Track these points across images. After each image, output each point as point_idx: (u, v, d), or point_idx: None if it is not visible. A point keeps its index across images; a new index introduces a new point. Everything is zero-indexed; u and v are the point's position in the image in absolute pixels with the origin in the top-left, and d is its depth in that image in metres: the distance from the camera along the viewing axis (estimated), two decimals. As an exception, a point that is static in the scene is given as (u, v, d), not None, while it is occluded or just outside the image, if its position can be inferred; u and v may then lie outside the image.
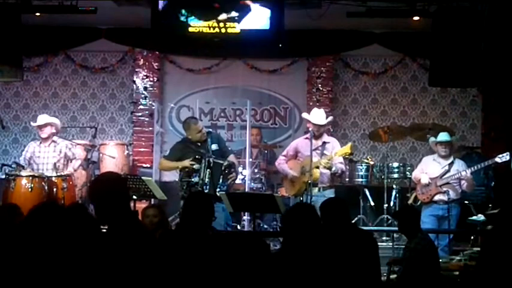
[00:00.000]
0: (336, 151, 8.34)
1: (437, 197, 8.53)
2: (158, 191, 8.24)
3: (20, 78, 9.24)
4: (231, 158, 8.45)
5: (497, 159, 8.42)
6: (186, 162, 8.17)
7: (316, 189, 8.23)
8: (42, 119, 9.33)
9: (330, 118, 8.87)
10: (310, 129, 8.52)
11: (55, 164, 9.02)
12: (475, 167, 8.56)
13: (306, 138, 8.62)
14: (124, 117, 11.44)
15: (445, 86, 10.53)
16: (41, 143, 9.25)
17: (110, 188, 3.93)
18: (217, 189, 7.99)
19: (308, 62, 11.30)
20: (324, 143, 8.51)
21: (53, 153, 9.16)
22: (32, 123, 9.50)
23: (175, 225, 8.49)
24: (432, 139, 8.90)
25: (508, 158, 8.34)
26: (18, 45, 8.80)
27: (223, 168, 8.11)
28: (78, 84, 11.44)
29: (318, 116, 8.58)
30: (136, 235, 3.88)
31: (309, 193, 8.08)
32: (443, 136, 8.72)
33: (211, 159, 8.06)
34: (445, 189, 8.44)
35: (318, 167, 8.20)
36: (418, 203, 8.74)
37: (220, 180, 8.09)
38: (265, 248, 4.31)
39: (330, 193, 8.32)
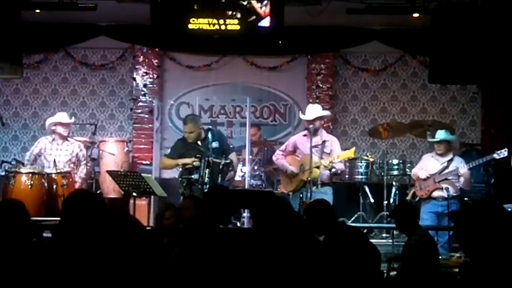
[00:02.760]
0: (338, 154, 8.40)
1: (435, 193, 8.54)
2: (158, 188, 8.24)
3: (19, 75, 9.22)
4: (232, 156, 8.43)
5: (495, 155, 8.44)
6: (187, 160, 8.16)
7: (314, 186, 8.24)
8: (66, 117, 9.35)
9: (323, 113, 8.76)
10: (310, 126, 8.51)
11: (54, 160, 9.02)
12: (473, 163, 8.57)
13: (305, 135, 8.61)
14: (124, 114, 11.44)
15: (444, 83, 10.54)
16: (53, 140, 9.25)
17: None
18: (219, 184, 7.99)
19: (308, 58, 11.30)
20: (324, 141, 8.51)
21: (65, 152, 9.19)
22: (53, 119, 9.38)
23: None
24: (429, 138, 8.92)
25: (506, 154, 8.36)
26: (17, 42, 8.77)
27: (220, 167, 8.09)
28: (78, 81, 11.44)
29: (308, 111, 8.60)
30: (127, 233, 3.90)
31: (307, 190, 8.11)
32: (438, 135, 8.71)
33: (210, 159, 8.02)
34: (443, 185, 8.44)
35: (318, 167, 8.21)
36: (417, 199, 8.76)
37: (219, 179, 8.08)
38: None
39: (328, 190, 8.35)
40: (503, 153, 8.38)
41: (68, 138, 9.33)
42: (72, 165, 9.18)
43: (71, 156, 9.21)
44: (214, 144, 8.18)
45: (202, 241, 4.46)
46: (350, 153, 8.37)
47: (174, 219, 5.97)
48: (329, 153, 8.44)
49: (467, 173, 8.51)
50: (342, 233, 5.29)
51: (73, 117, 9.69)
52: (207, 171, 7.98)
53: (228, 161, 8.18)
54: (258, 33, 9.17)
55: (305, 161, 8.34)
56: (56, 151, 9.18)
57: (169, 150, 8.68)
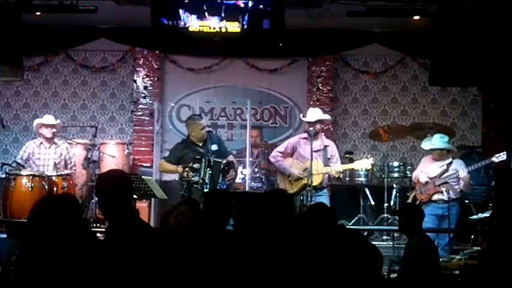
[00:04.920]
0: (355, 163, 8.68)
1: (436, 197, 8.53)
2: (158, 190, 8.25)
3: (20, 77, 9.24)
4: (231, 158, 8.47)
5: (494, 159, 8.45)
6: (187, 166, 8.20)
7: (314, 190, 8.29)
8: (51, 119, 9.33)
9: (324, 116, 8.76)
10: (310, 129, 8.52)
11: (55, 163, 9.02)
12: (472, 167, 8.58)
13: (305, 138, 8.60)
14: (124, 117, 11.45)
15: (445, 86, 10.53)
16: (41, 143, 9.24)
17: (115, 186, 3.96)
18: (218, 188, 8.01)
19: (308, 61, 11.30)
20: (326, 146, 8.53)
21: (53, 155, 9.18)
22: (38, 120, 9.41)
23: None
24: (424, 145, 8.92)
25: (504, 157, 8.37)
26: (18, 45, 8.80)
27: (222, 166, 8.13)
28: (79, 84, 11.45)
29: (309, 113, 8.63)
30: (138, 232, 3.90)
31: (307, 193, 8.17)
32: (433, 141, 8.67)
33: (211, 159, 8.08)
34: (443, 188, 8.44)
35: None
36: (417, 203, 8.74)
37: (220, 179, 8.11)
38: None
39: (325, 191, 8.49)
40: (502, 156, 8.39)
41: (56, 140, 9.31)
42: (61, 168, 9.13)
43: (59, 159, 9.18)
44: (214, 147, 8.26)
45: (201, 245, 4.47)
46: (368, 164, 8.59)
47: (177, 220, 5.99)
48: (329, 158, 8.49)
49: (466, 177, 8.51)
50: (342, 236, 5.28)
51: (58, 120, 9.61)
52: (207, 170, 8.01)
53: (229, 161, 8.24)
54: (259, 35, 9.17)
55: (310, 165, 8.31)
56: (44, 155, 9.17)
57: (168, 154, 8.70)
